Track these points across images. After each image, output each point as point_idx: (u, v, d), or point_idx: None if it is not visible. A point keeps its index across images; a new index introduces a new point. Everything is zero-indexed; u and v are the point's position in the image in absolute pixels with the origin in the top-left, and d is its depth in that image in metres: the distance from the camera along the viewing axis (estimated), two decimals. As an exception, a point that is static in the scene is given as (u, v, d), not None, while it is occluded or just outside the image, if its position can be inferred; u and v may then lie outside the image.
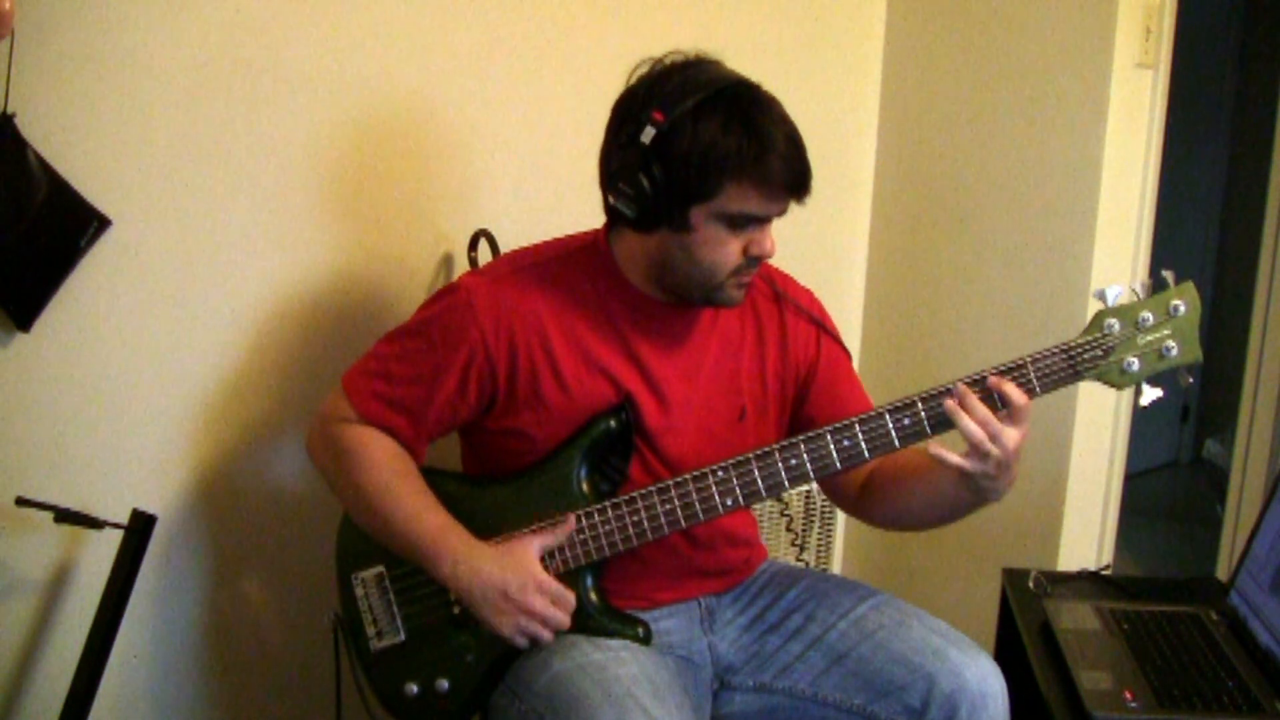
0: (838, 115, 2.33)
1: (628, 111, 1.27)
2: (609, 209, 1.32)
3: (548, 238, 1.46)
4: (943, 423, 1.26)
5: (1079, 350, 1.26)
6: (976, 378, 1.26)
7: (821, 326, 1.46)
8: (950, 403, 1.24)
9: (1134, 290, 1.28)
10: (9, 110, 1.40)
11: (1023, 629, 1.59)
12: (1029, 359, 1.26)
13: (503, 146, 1.87)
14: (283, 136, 1.66)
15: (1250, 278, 2.43)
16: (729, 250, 1.27)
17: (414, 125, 1.78)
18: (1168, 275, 1.27)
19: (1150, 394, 1.28)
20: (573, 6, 1.91)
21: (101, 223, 1.50)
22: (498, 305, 1.32)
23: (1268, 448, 2.31)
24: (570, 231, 1.45)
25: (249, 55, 1.61)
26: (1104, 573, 1.81)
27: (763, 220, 1.28)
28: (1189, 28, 2.05)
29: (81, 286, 1.51)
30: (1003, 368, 1.26)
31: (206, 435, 1.68)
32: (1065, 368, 1.26)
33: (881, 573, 2.40)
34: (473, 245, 1.80)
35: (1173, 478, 4.08)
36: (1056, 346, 1.27)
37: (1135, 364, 1.26)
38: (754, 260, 1.29)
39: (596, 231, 1.40)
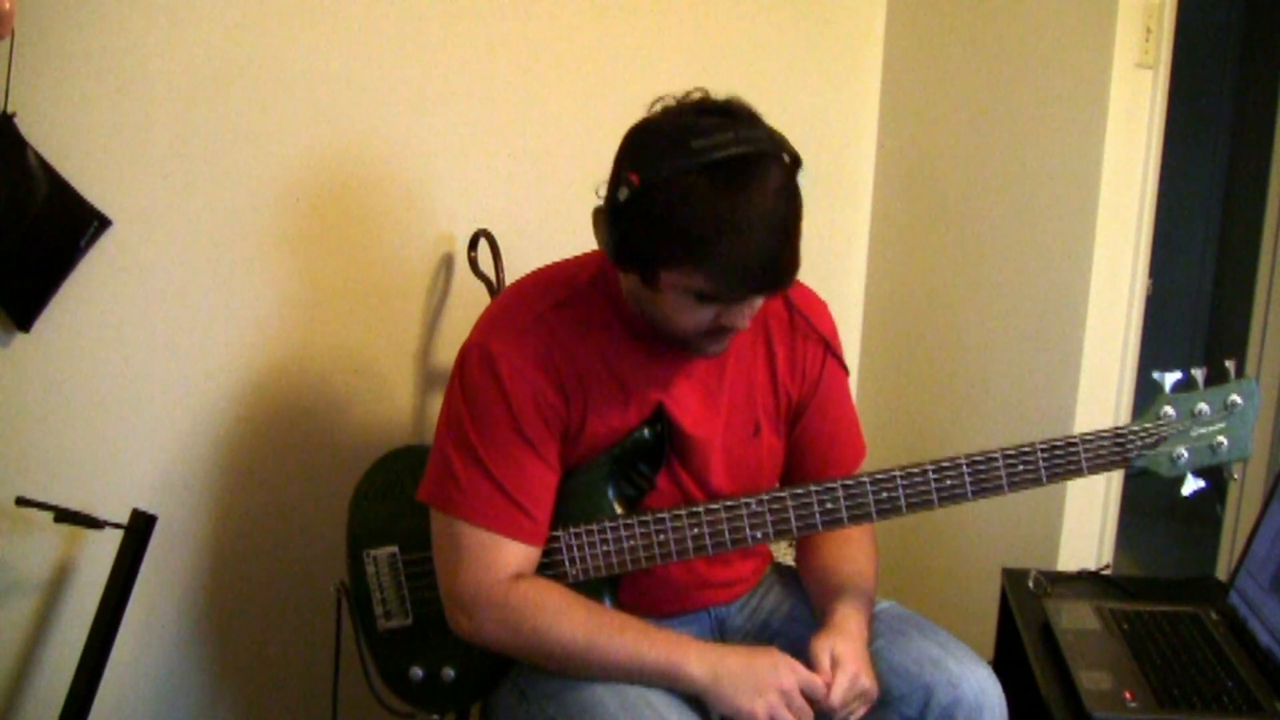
0: (838, 115, 2.33)
1: (623, 151, 1.20)
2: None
3: (547, 238, 1.45)
4: (986, 488, 1.24)
5: (1132, 437, 1.24)
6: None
7: (828, 346, 1.43)
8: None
9: (1194, 376, 1.25)
10: (9, 110, 1.40)
11: (1022, 629, 1.59)
12: (1080, 440, 1.23)
13: (503, 146, 1.87)
14: (282, 136, 1.66)
15: (1250, 278, 2.43)
16: (698, 316, 1.21)
17: (414, 125, 1.78)
18: (1229, 366, 1.25)
19: (1193, 484, 1.26)
20: (572, 6, 1.91)
21: (101, 223, 1.50)
22: (536, 359, 1.27)
23: (1268, 448, 2.31)
24: (569, 232, 1.44)
25: (249, 55, 1.61)
26: (1104, 572, 1.81)
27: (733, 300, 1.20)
28: (1189, 28, 2.05)
29: (81, 286, 1.51)
30: (1057, 443, 1.23)
31: (206, 435, 1.68)
32: (1114, 451, 1.24)
33: (881, 572, 2.39)
34: (473, 245, 1.80)
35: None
36: (1109, 430, 1.24)
37: (1185, 456, 1.24)
38: (727, 329, 1.23)
39: (601, 255, 1.33)
